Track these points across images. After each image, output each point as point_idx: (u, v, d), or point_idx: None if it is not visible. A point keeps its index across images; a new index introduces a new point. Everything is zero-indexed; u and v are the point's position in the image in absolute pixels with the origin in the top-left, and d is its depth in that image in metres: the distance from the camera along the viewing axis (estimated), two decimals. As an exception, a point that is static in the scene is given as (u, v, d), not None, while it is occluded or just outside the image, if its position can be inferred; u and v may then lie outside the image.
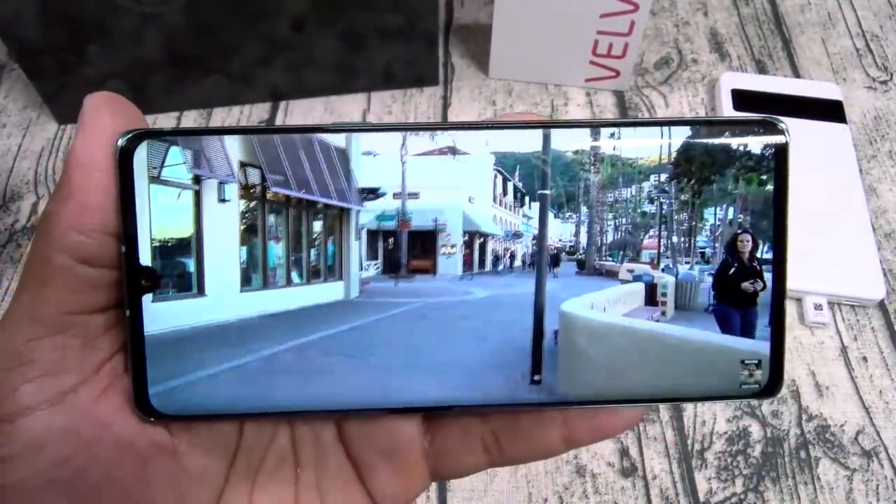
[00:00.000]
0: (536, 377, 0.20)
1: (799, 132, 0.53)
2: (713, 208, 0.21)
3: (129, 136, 0.18)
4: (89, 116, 0.18)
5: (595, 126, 0.20)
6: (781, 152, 0.19)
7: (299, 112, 0.56)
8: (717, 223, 0.21)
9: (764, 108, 0.54)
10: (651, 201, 0.22)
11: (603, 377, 0.20)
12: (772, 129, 0.19)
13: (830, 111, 0.54)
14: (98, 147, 0.18)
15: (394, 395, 0.20)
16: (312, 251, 0.22)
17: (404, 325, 0.20)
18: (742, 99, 0.54)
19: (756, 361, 0.20)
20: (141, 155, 0.18)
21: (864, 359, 0.45)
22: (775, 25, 0.62)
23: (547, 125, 0.20)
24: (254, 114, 0.55)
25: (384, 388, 0.20)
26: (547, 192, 0.21)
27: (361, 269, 0.21)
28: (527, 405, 0.20)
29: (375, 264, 0.21)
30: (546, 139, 0.19)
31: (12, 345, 0.17)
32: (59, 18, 0.47)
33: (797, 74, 0.58)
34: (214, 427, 0.20)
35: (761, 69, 0.59)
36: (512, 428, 0.21)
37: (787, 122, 0.20)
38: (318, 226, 0.21)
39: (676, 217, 0.21)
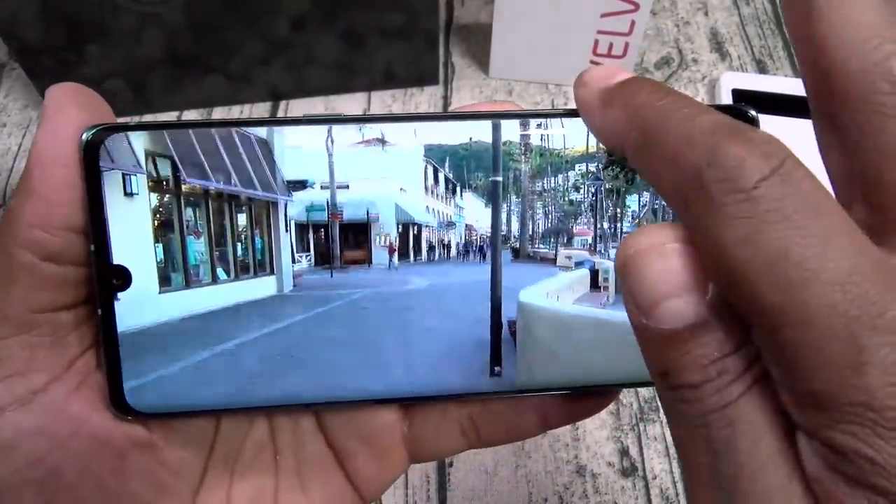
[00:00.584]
0: (497, 368, 0.21)
1: (799, 132, 0.53)
2: (636, 195, 0.21)
3: (95, 130, 0.18)
4: (52, 109, 0.18)
5: (540, 116, 0.20)
6: None
7: (299, 111, 0.56)
8: (641, 209, 0.21)
9: (764, 107, 0.54)
10: (577, 189, 0.22)
11: (570, 366, 0.20)
12: (742, 117, 0.20)
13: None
14: (61, 141, 0.18)
15: (372, 386, 0.20)
16: (239, 246, 0.21)
17: (347, 317, 0.20)
18: (742, 98, 0.54)
19: None
20: (107, 149, 0.18)
21: (865, 359, 0.45)
22: (776, 25, 0.62)
23: (495, 116, 0.20)
24: (254, 113, 0.55)
25: (362, 380, 0.20)
26: (499, 178, 0.21)
27: (294, 261, 0.20)
28: (505, 394, 0.21)
29: (308, 256, 0.21)
30: (496, 127, 0.20)
31: None
32: (58, 18, 0.47)
33: (798, 74, 0.58)
34: (191, 420, 0.20)
35: (762, 69, 0.59)
36: (488, 413, 0.21)
37: (762, 116, 0.20)
38: (242, 219, 0.21)
39: (605, 204, 0.22)
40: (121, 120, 0.19)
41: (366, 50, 0.53)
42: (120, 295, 0.18)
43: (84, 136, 0.18)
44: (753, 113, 0.20)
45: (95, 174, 0.18)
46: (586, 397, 0.21)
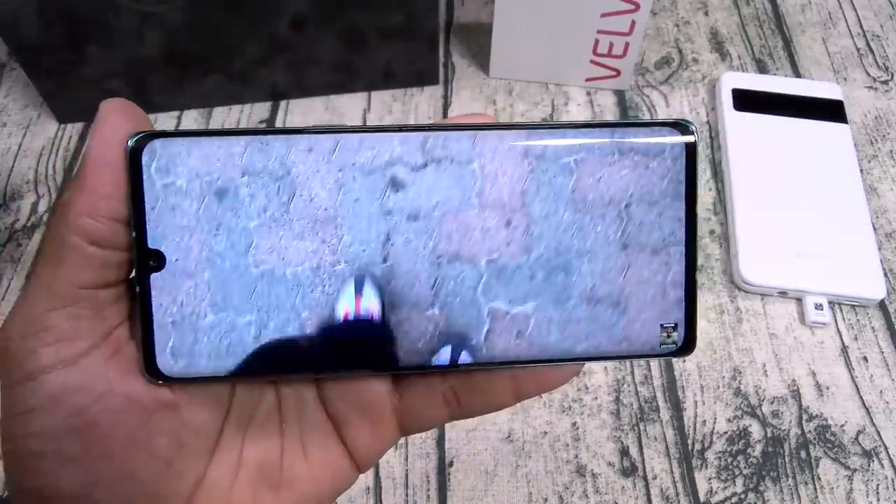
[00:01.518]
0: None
1: (799, 132, 0.53)
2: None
3: (138, 136, 0.21)
4: (104, 119, 0.21)
5: (530, 129, 0.22)
6: (690, 150, 0.23)
7: (299, 111, 0.56)
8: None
9: (764, 107, 0.54)
10: None
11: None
12: (682, 130, 0.23)
13: (831, 111, 0.54)
14: (110, 146, 0.21)
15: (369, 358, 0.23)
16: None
17: None
18: (742, 98, 0.54)
19: (673, 324, 0.23)
20: (147, 153, 0.22)
21: (865, 359, 0.45)
22: (776, 25, 0.62)
23: (489, 127, 0.22)
24: (254, 113, 0.55)
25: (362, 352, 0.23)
26: None
27: None
28: (483, 366, 0.23)
29: None
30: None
31: (32, 314, 0.21)
32: (58, 18, 0.47)
33: (798, 74, 0.58)
34: (211, 386, 0.23)
35: (762, 69, 0.59)
36: (468, 384, 0.24)
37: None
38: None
39: None
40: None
41: (366, 50, 0.53)
42: (154, 275, 0.22)
43: (129, 142, 0.21)
44: (693, 126, 0.23)
45: (138, 173, 0.21)
46: (556, 369, 0.24)
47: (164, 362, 0.22)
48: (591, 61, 0.55)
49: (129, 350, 0.22)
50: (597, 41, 0.53)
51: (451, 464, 0.41)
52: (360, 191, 0.22)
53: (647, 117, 0.56)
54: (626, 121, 0.23)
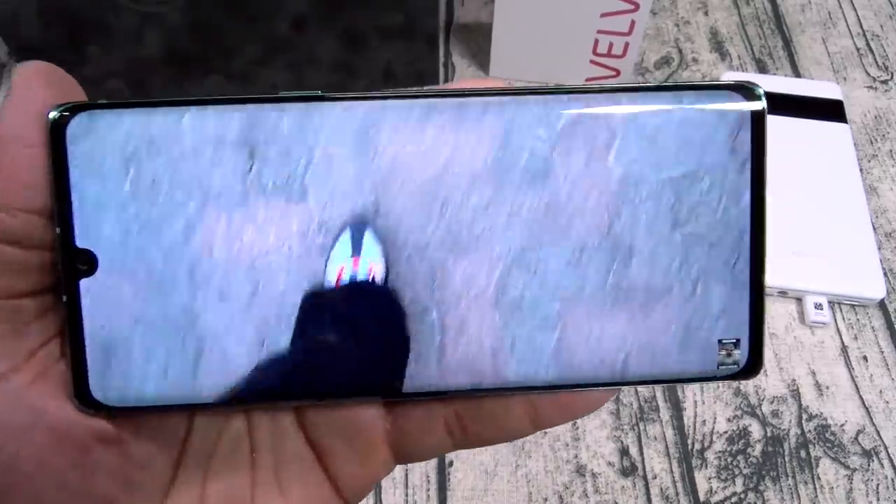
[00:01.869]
0: None
1: (799, 132, 0.53)
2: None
3: (63, 108, 0.17)
4: (19, 87, 0.17)
5: (556, 93, 0.18)
6: (758, 120, 0.18)
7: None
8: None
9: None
10: None
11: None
12: (748, 94, 0.18)
13: (831, 111, 0.54)
14: (26, 120, 0.17)
15: (354, 380, 0.19)
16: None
17: None
18: (742, 98, 0.54)
19: (734, 340, 0.19)
20: (75, 129, 0.17)
21: (865, 358, 0.45)
22: (776, 25, 0.62)
23: (506, 92, 0.18)
24: (254, 113, 0.55)
25: (344, 374, 0.19)
26: None
27: None
28: (493, 391, 0.19)
29: None
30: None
31: None
32: (58, 18, 0.47)
33: (797, 74, 0.58)
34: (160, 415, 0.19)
35: (762, 68, 0.59)
36: (476, 409, 0.20)
37: (764, 89, 0.18)
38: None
39: None
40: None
41: (366, 50, 0.53)
42: (85, 281, 0.18)
43: (52, 115, 0.17)
44: (760, 90, 0.18)
45: (62, 154, 0.17)
46: (581, 395, 0.20)
47: (100, 388, 0.18)
48: (591, 61, 0.55)
49: (57, 373, 0.18)
50: (596, 41, 0.53)
51: (450, 463, 0.41)
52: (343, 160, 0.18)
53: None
54: (676, 83, 0.18)
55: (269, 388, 0.19)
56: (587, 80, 0.57)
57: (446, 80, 0.58)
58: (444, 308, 0.19)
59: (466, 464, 0.41)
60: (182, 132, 0.18)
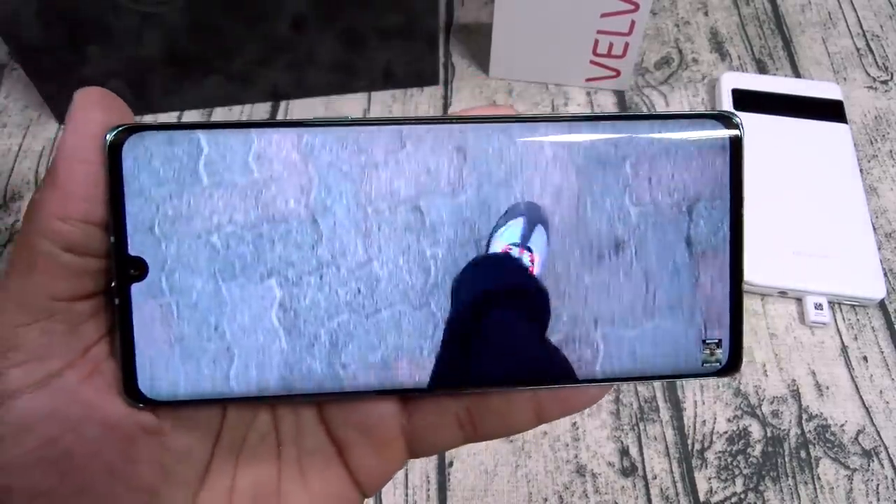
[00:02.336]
0: None
1: (799, 132, 0.53)
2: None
3: (118, 130, 0.19)
4: (79, 111, 0.19)
5: (555, 121, 0.20)
6: (735, 145, 0.21)
7: (299, 112, 0.56)
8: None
9: (764, 107, 0.54)
10: None
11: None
12: (726, 122, 0.21)
13: (831, 111, 0.54)
14: (86, 140, 0.19)
15: (376, 377, 0.21)
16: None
17: None
18: (742, 98, 0.54)
19: (717, 340, 0.21)
20: (129, 148, 0.19)
21: (865, 358, 0.45)
22: (776, 25, 0.62)
23: (512, 119, 0.20)
24: (254, 114, 0.55)
25: (367, 371, 0.21)
26: None
27: None
28: (495, 387, 0.21)
29: None
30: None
31: (0, 331, 0.18)
32: (59, 18, 0.47)
33: (797, 74, 0.58)
34: (200, 409, 0.21)
35: (762, 69, 0.59)
36: (485, 405, 0.22)
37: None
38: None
39: None
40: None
41: (366, 50, 0.53)
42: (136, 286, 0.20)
43: (108, 136, 0.19)
44: (738, 119, 0.21)
45: (117, 171, 0.19)
46: (580, 391, 0.21)
47: (147, 383, 0.20)
48: (591, 61, 0.55)
49: (107, 369, 0.19)
50: (596, 41, 0.53)
51: (451, 463, 0.41)
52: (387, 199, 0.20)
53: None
54: (662, 112, 0.21)
55: (295, 384, 0.20)
56: (587, 80, 0.57)
57: (446, 81, 0.58)
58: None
59: (466, 464, 0.41)
60: (221, 157, 0.20)
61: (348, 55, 0.53)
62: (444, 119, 0.20)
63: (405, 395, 0.22)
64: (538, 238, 0.20)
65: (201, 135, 0.20)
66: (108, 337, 0.20)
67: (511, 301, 0.21)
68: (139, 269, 0.20)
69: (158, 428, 0.20)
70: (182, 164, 0.20)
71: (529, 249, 0.20)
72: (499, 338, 0.21)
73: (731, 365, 0.21)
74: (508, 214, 0.20)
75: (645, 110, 0.56)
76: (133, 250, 0.19)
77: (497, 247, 0.20)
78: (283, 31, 0.51)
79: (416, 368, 0.21)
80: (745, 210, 0.21)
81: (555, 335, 0.21)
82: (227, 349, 0.20)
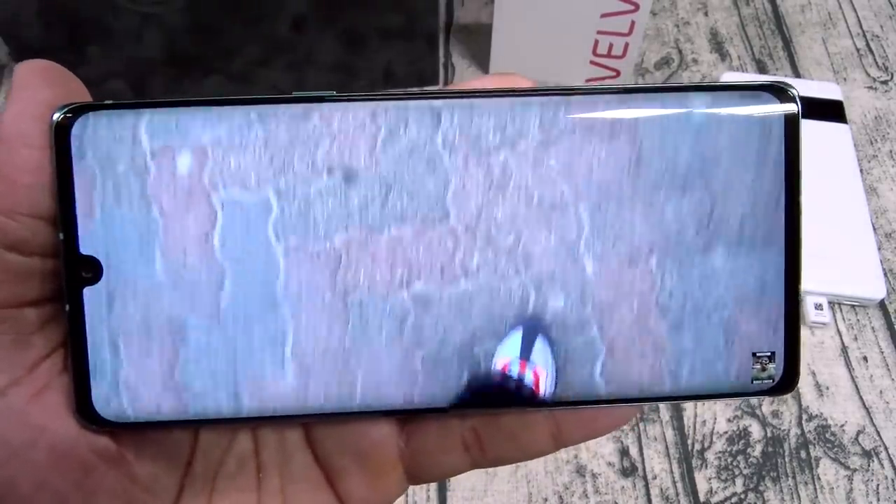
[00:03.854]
0: None
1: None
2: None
3: (67, 108, 0.17)
4: (21, 87, 0.16)
5: (590, 93, 0.17)
6: (791, 123, 0.17)
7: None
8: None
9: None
10: None
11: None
12: (779, 95, 0.17)
13: (831, 111, 0.54)
14: (30, 121, 0.16)
15: (365, 396, 0.18)
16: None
17: None
18: (742, 99, 0.54)
19: (769, 353, 0.18)
20: (79, 130, 0.16)
21: (865, 359, 0.45)
22: (776, 25, 0.62)
23: (528, 92, 0.17)
24: (254, 114, 0.55)
25: (355, 389, 0.18)
26: None
27: None
28: (511, 407, 0.18)
29: None
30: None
31: None
32: (58, 18, 0.47)
33: (797, 74, 0.58)
34: (167, 433, 0.18)
35: (762, 69, 0.59)
36: (495, 426, 0.19)
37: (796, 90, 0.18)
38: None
39: None
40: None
41: (366, 50, 0.53)
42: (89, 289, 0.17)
43: (55, 116, 0.16)
44: (794, 91, 0.17)
45: (66, 156, 0.16)
46: (605, 412, 0.19)
47: (103, 402, 0.17)
48: (591, 62, 0.55)
49: (59, 387, 0.17)
50: (596, 42, 0.53)
51: (451, 464, 0.41)
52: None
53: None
54: (707, 83, 0.18)
55: (278, 404, 0.18)
56: (587, 80, 0.57)
57: (446, 81, 0.58)
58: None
59: (466, 464, 0.41)
60: (199, 133, 0.17)
61: (348, 55, 0.53)
62: (450, 93, 0.17)
63: (413, 416, 0.19)
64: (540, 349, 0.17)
65: (170, 114, 0.17)
66: (62, 349, 0.17)
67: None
68: (92, 269, 0.17)
69: (119, 455, 0.17)
70: (147, 147, 0.17)
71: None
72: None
73: (786, 382, 0.18)
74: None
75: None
76: (85, 248, 0.17)
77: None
78: (283, 31, 0.51)
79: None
80: (802, 200, 0.18)
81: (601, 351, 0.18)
82: (198, 364, 0.17)
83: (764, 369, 0.18)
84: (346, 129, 0.17)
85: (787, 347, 0.18)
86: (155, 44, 0.50)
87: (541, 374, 0.18)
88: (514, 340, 0.18)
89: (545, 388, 0.18)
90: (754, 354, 0.18)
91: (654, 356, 0.18)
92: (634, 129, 0.17)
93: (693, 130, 0.17)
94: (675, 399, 0.18)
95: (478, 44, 0.59)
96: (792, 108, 0.17)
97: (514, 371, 0.18)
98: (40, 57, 0.18)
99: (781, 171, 0.17)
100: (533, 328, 0.18)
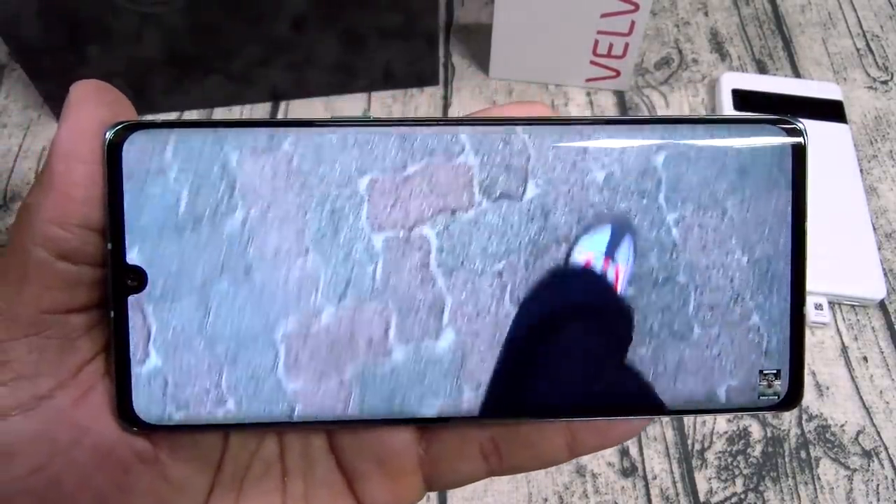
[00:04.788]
0: None
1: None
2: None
3: (119, 127, 0.17)
4: (75, 105, 0.17)
5: (594, 123, 0.18)
6: (798, 154, 0.18)
7: (299, 112, 0.56)
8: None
9: (764, 107, 0.54)
10: None
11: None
12: (785, 128, 0.19)
13: (831, 111, 0.54)
14: (84, 138, 0.17)
15: (392, 405, 0.19)
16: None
17: None
18: (742, 99, 0.54)
19: (775, 371, 0.19)
20: (130, 147, 0.17)
21: (865, 359, 0.45)
22: (776, 25, 0.62)
23: (547, 121, 0.18)
24: (254, 114, 0.55)
25: (384, 399, 0.19)
26: None
27: None
28: (529, 417, 0.19)
29: None
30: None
31: None
32: (59, 18, 0.47)
33: (797, 74, 0.58)
34: (200, 435, 0.19)
35: (762, 69, 0.59)
36: (513, 435, 0.20)
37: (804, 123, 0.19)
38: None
39: None
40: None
41: (366, 50, 0.53)
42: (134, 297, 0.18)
43: (108, 134, 0.17)
44: (801, 125, 0.19)
45: (117, 172, 0.17)
46: (620, 423, 0.19)
47: (143, 406, 0.18)
48: (591, 62, 0.55)
49: (102, 390, 0.18)
50: (596, 42, 0.53)
51: (451, 464, 0.41)
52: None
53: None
54: (717, 116, 0.20)
55: (316, 411, 0.19)
56: (587, 80, 0.57)
57: (446, 81, 0.58)
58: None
59: (466, 464, 0.41)
60: (248, 155, 0.18)
61: (348, 55, 0.53)
62: (481, 121, 0.18)
63: (442, 425, 0.20)
64: (625, 249, 0.18)
65: (215, 133, 0.18)
66: (105, 354, 0.18)
67: (588, 320, 0.19)
68: (137, 279, 0.18)
69: (155, 456, 0.18)
70: (193, 166, 0.18)
71: (614, 260, 0.18)
72: (570, 360, 0.19)
73: (791, 399, 0.19)
74: (593, 221, 0.18)
75: (645, 110, 0.56)
76: (131, 259, 0.18)
77: (579, 257, 0.18)
78: (283, 31, 0.51)
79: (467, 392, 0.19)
80: (808, 225, 0.19)
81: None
82: (232, 371, 0.18)
83: (770, 386, 0.19)
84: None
85: (792, 365, 0.19)
86: (155, 44, 0.50)
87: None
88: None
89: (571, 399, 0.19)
90: (761, 372, 0.19)
91: (672, 373, 0.19)
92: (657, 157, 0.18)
93: (702, 166, 0.18)
94: (686, 413, 0.19)
95: (478, 44, 0.59)
96: (799, 141, 0.18)
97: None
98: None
99: (788, 199, 0.18)
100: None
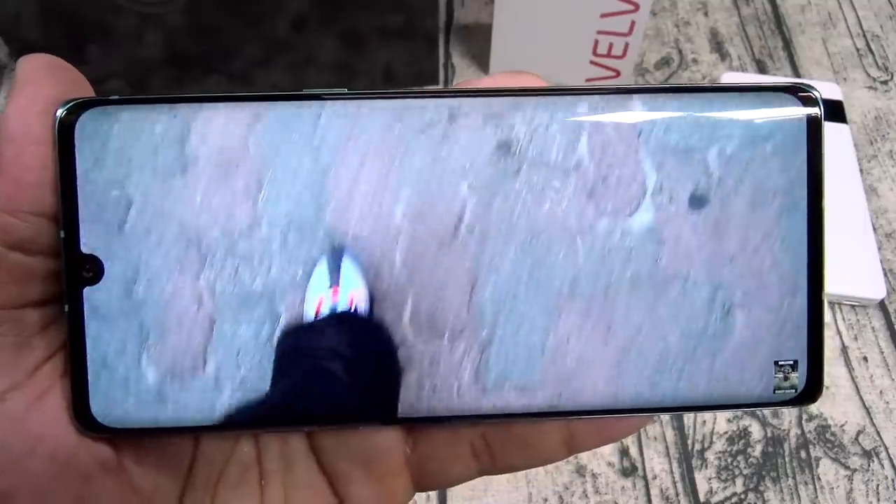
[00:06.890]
0: None
1: (799, 132, 0.53)
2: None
3: (71, 104, 0.16)
4: (24, 82, 0.16)
5: (602, 93, 0.17)
6: (813, 126, 0.17)
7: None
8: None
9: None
10: None
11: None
12: (801, 97, 0.17)
13: (831, 111, 0.54)
14: (34, 117, 0.16)
15: (371, 402, 0.17)
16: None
17: None
18: (742, 99, 0.54)
19: (792, 362, 0.17)
20: (83, 126, 0.16)
21: (865, 359, 0.45)
22: (776, 25, 0.62)
23: (547, 91, 0.17)
24: (254, 114, 0.55)
25: (360, 396, 0.17)
26: None
27: None
28: (525, 416, 0.18)
29: None
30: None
31: None
32: (58, 18, 0.47)
33: (797, 74, 0.58)
34: (167, 440, 0.18)
35: (762, 69, 0.59)
36: (506, 433, 0.18)
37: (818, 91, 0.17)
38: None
39: None
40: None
41: (366, 50, 0.53)
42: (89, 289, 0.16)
43: (59, 112, 0.16)
44: (817, 94, 0.17)
45: (69, 153, 0.16)
46: (619, 420, 0.18)
47: (102, 408, 0.16)
48: (591, 62, 0.55)
49: (60, 392, 0.16)
50: (596, 42, 0.53)
51: (450, 464, 0.41)
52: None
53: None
54: (723, 84, 0.17)
55: (280, 411, 0.17)
56: (587, 80, 0.57)
57: (446, 81, 0.58)
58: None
59: (466, 464, 0.41)
60: (202, 130, 0.16)
61: (348, 55, 0.53)
62: (471, 92, 0.17)
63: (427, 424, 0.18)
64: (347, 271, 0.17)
65: (179, 109, 0.16)
66: (62, 353, 0.17)
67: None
68: (93, 269, 0.16)
69: (118, 462, 0.17)
70: (153, 145, 0.16)
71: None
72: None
73: (809, 392, 0.17)
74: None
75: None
76: (86, 247, 0.16)
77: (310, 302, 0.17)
78: (283, 31, 0.51)
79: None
80: (825, 205, 0.17)
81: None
82: (200, 369, 0.17)
83: (787, 378, 0.17)
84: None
85: (810, 356, 0.17)
86: (155, 44, 0.50)
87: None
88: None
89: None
90: (776, 363, 0.17)
91: (680, 367, 0.17)
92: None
93: (708, 140, 0.17)
94: (695, 409, 0.18)
95: (478, 44, 0.59)
96: (813, 111, 0.17)
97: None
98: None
99: (804, 177, 0.17)
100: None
